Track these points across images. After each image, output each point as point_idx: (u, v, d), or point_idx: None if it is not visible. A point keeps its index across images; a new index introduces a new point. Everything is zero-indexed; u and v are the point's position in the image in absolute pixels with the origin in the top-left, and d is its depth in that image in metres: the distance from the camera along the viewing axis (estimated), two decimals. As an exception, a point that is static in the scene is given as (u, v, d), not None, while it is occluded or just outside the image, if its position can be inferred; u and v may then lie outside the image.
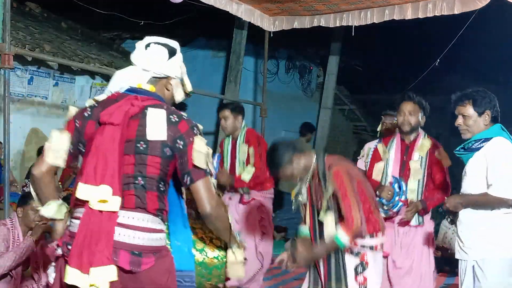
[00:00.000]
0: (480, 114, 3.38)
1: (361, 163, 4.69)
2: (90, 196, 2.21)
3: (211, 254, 2.60)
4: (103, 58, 9.36)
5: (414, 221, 4.24)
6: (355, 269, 3.52)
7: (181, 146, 2.29)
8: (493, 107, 3.40)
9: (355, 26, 6.53)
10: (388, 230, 4.17)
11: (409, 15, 6.04)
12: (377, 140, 4.67)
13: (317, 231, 3.57)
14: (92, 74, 9.27)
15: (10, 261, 4.12)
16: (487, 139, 3.35)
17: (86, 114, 2.38)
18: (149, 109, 2.31)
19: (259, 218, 5.29)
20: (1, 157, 6.72)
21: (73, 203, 2.31)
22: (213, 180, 2.40)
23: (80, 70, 8.52)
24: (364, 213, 3.40)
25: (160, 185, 2.31)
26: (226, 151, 5.40)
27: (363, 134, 14.74)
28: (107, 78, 7.35)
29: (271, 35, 7.35)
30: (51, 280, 2.31)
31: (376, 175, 4.33)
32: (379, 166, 4.35)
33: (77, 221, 2.26)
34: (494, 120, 3.41)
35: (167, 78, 2.46)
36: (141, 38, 2.54)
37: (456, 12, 5.71)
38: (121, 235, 2.22)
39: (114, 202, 2.21)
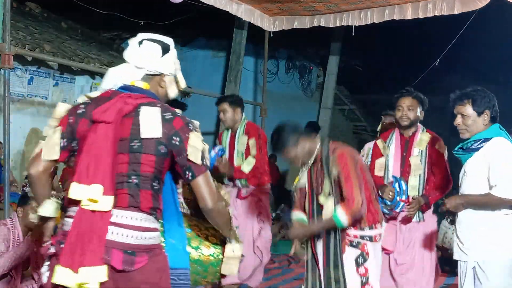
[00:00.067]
0: (479, 113, 3.36)
1: (361, 163, 4.69)
2: (82, 195, 2.20)
3: (207, 251, 2.59)
4: (103, 58, 9.37)
5: (415, 218, 4.25)
6: (356, 261, 3.53)
7: (177, 143, 2.27)
8: (492, 107, 3.38)
9: (355, 26, 6.55)
10: (391, 228, 4.17)
11: (409, 15, 6.05)
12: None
13: (315, 216, 3.59)
14: (92, 74, 9.28)
15: (10, 261, 4.13)
16: (486, 139, 3.33)
17: (79, 112, 2.34)
18: (143, 107, 2.29)
19: (257, 213, 5.28)
20: (1, 157, 6.71)
21: (67, 201, 2.30)
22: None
23: (80, 70, 8.52)
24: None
25: (154, 184, 2.29)
26: (225, 144, 5.38)
27: (363, 134, 14.75)
28: (107, 78, 7.33)
29: (271, 35, 7.36)
30: (45, 280, 2.28)
31: (379, 170, 4.33)
32: (380, 162, 4.34)
33: (71, 220, 2.24)
34: (493, 120, 3.39)
35: (160, 75, 2.43)
36: (141, 39, 2.52)
37: (456, 12, 5.72)
38: (114, 234, 2.20)
39: (105, 202, 2.18)
